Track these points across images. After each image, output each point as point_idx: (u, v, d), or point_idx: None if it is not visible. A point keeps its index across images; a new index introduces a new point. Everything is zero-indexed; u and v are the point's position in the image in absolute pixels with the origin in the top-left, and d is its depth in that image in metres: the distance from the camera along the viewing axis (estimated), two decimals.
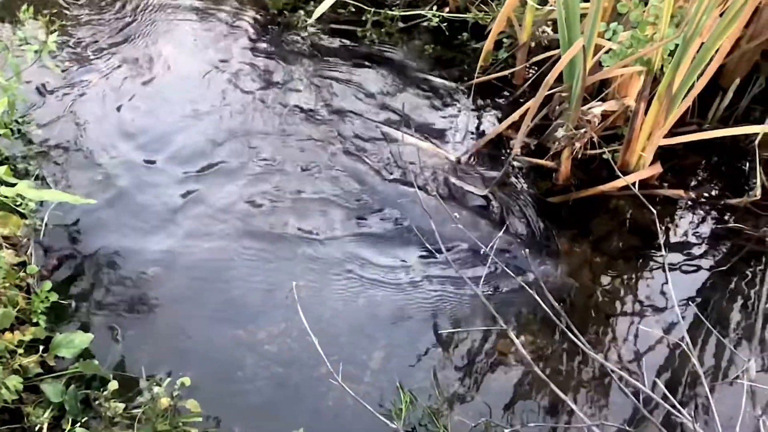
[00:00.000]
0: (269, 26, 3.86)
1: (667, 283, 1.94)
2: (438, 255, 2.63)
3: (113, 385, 2.02)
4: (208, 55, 3.63)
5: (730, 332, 2.38)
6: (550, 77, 2.60)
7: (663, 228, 2.80)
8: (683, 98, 2.70)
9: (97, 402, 2.00)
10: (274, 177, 2.98)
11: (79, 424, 1.97)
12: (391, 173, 3.04)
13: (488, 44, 3.32)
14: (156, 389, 2.02)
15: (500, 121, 3.17)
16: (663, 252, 1.95)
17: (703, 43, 2.51)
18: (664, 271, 1.92)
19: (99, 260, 2.60)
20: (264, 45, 3.73)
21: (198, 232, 2.74)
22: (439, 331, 2.39)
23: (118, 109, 3.27)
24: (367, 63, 3.62)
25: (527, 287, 1.88)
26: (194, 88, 3.41)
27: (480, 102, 3.39)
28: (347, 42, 3.76)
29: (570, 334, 1.87)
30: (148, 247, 2.67)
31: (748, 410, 1.84)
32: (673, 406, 1.66)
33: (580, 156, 2.90)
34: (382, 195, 2.94)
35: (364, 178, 3.01)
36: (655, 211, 2.02)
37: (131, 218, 2.78)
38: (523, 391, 2.26)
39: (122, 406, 2.00)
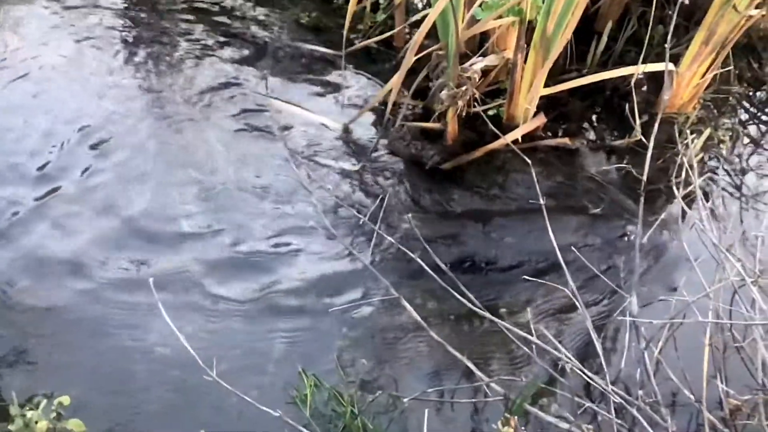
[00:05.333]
0: None
1: (548, 230, 1.96)
2: (323, 230, 2.56)
3: None
4: (65, 32, 3.38)
5: (613, 272, 2.43)
6: (418, 36, 2.54)
7: (551, 177, 2.84)
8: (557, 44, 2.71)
9: None
10: (147, 164, 2.82)
11: None
12: (271, 144, 2.94)
13: (352, 6, 3.17)
14: (30, 414, 1.85)
15: (384, 85, 3.10)
16: (542, 201, 1.94)
17: None
18: (544, 218, 1.93)
19: None
20: (125, 17, 3.50)
21: (66, 233, 2.54)
22: (338, 309, 2.32)
23: None
24: (240, 33, 3.47)
25: (410, 252, 1.85)
26: (51, 74, 3.16)
27: (362, 67, 3.32)
28: (218, 10, 3.58)
29: (457, 294, 1.87)
30: (10, 256, 2.45)
31: (633, 344, 1.90)
32: (557, 350, 1.69)
33: (465, 114, 2.88)
34: (264, 170, 2.83)
35: (243, 153, 2.89)
36: (530, 162, 2.03)
37: None
38: (425, 358, 2.25)
39: None
